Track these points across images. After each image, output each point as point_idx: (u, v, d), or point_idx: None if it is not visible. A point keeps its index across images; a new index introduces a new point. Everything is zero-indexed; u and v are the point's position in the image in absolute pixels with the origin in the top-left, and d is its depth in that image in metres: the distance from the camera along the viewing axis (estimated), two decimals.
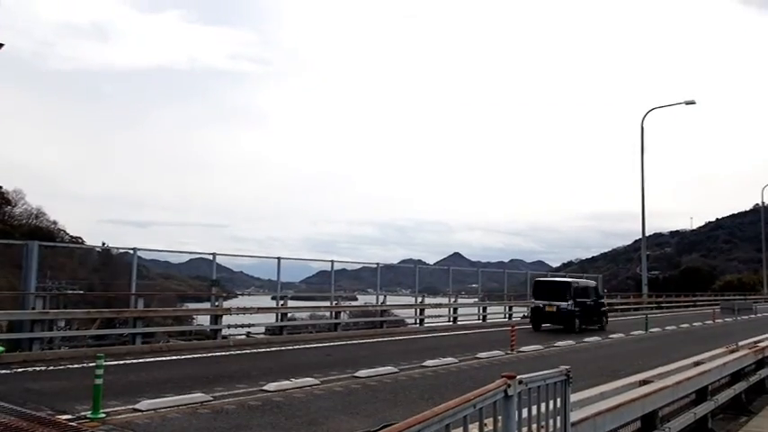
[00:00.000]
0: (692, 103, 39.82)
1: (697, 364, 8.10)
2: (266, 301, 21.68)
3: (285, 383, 10.23)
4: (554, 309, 23.30)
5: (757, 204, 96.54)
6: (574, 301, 23.35)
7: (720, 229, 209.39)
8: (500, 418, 3.42)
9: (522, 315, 33.06)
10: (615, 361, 14.56)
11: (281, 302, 20.29)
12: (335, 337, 19.82)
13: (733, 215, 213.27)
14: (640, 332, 23.42)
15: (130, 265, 16.82)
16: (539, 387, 3.84)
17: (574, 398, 5.63)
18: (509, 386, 3.37)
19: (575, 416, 4.62)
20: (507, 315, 30.72)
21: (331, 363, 13.60)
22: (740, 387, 9.36)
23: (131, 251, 16.90)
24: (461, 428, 3.08)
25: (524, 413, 3.71)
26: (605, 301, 26.52)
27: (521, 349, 16.68)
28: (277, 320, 19.70)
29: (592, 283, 27.40)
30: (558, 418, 4.10)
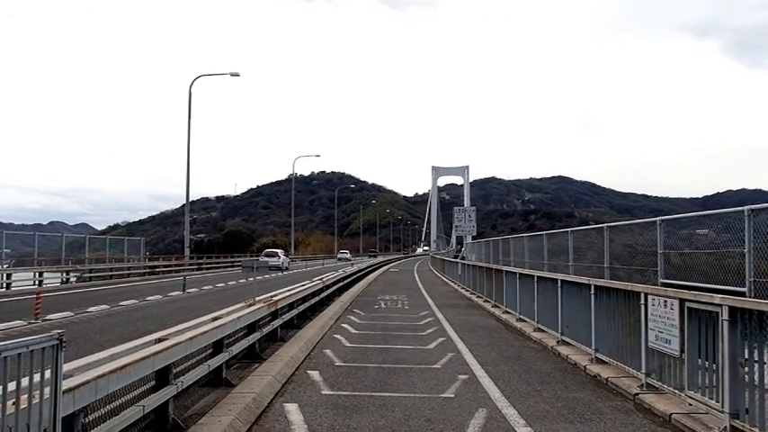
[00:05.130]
0: (237, 75, 42.44)
1: (215, 318, 8.58)
2: None
3: None
4: None
5: (291, 174, 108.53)
6: None
7: (261, 196, 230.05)
8: None
9: (60, 281, 30.69)
10: (148, 323, 14.52)
11: None
12: None
13: (272, 183, 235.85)
14: (178, 293, 24.00)
15: None
16: (19, 355, 3.43)
17: (81, 362, 5.32)
18: None
19: (73, 381, 4.32)
20: (37, 282, 27.94)
21: None
22: (255, 337, 10.28)
23: None
24: None
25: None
26: None
27: (47, 317, 15.36)
28: None
29: None
30: (48, 388, 3.75)
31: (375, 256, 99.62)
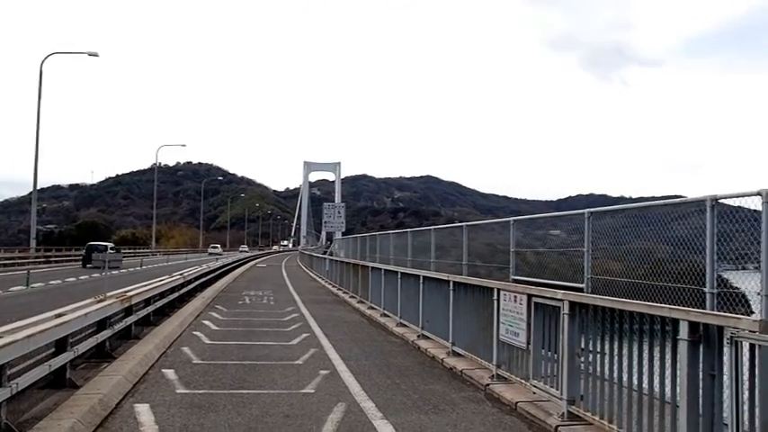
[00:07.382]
0: (95, 54, 39.87)
1: (59, 315, 8.00)
2: None
3: None
4: None
5: (154, 164, 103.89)
6: None
7: (120, 185, 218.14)
8: None
9: None
10: None
11: None
12: None
13: (132, 172, 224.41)
14: (21, 288, 22.22)
15: None
16: None
17: None
18: None
19: None
20: None
21: None
22: (105, 335, 9.69)
23: None
24: None
25: None
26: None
27: None
28: None
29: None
30: None
31: (263, 249, 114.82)
